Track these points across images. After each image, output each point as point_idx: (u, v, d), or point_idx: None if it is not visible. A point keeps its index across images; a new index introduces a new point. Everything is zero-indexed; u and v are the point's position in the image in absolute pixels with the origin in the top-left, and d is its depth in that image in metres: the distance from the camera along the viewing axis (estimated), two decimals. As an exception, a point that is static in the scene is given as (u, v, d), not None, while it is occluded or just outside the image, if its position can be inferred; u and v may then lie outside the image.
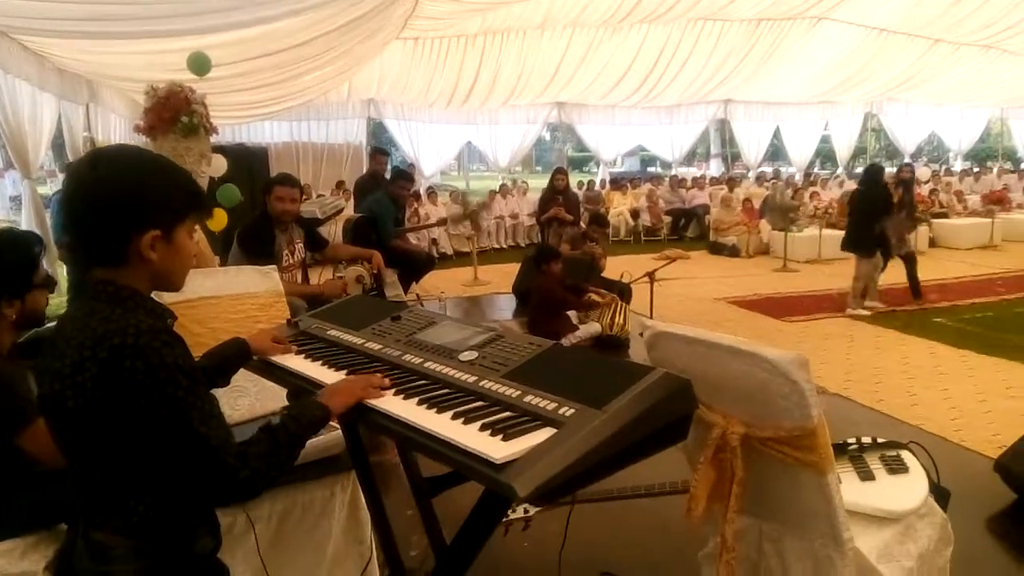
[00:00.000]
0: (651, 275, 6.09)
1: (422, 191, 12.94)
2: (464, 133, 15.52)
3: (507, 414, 1.39)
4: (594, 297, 5.88)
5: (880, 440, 2.17)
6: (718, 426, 1.72)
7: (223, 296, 2.61)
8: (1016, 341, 6.07)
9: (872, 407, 4.60)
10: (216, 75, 6.02)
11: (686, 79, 14.75)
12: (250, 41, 7.14)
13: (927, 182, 14.76)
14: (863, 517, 1.90)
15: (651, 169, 28.91)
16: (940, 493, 2.14)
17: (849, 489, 2.01)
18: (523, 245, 12.85)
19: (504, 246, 13.05)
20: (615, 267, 7.23)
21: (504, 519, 2.42)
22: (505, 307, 7.73)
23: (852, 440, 2.18)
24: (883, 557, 1.82)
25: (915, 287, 7.76)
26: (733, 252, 11.42)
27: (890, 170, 9.79)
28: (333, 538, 2.27)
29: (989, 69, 16.08)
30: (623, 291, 6.42)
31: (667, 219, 13.86)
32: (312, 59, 9.06)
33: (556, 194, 7.92)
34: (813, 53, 14.58)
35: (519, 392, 1.45)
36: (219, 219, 5.44)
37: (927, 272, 9.34)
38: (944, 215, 12.53)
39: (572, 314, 5.98)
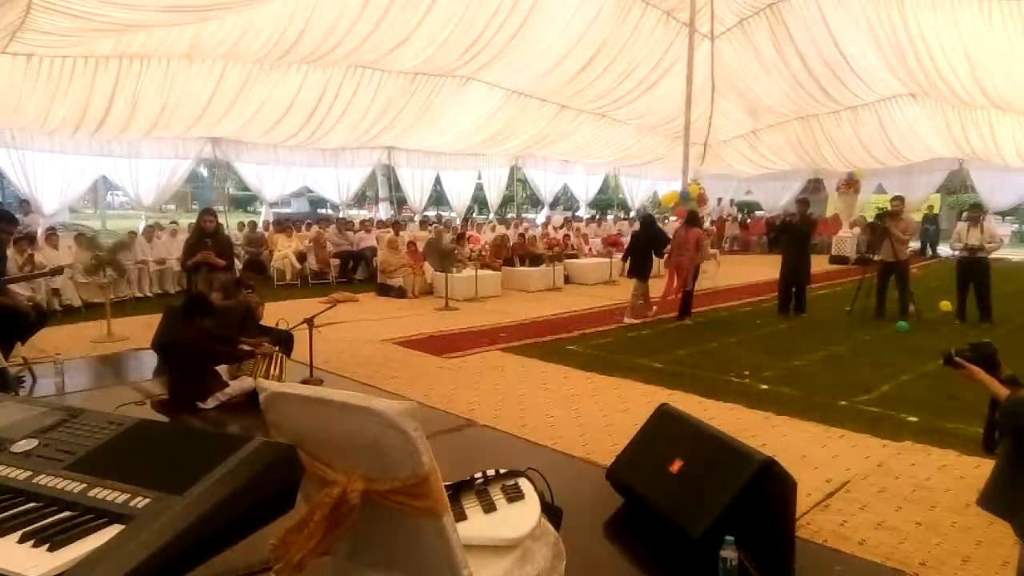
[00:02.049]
0: (309, 321, 5.92)
1: (40, 232, 10.96)
2: (98, 166, 13.62)
3: (62, 516, 1.16)
4: (248, 349, 5.50)
5: (502, 471, 2.33)
6: (338, 485, 1.67)
7: None
8: (630, 362, 7.21)
9: (517, 434, 5.02)
10: None
11: (350, 123, 14.98)
12: None
13: (561, 227, 17.01)
14: (486, 548, 2.01)
15: (322, 211, 28.64)
16: (553, 512, 2.37)
17: (475, 523, 2.11)
18: (172, 293, 11.63)
19: (149, 294, 11.66)
20: (280, 313, 6.90)
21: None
22: (144, 365, 6.83)
23: (479, 475, 2.31)
24: (505, 583, 1.94)
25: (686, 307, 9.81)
26: (400, 293, 11.77)
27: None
28: None
29: (604, 133, 19.30)
30: (283, 340, 6.13)
31: (335, 262, 13.78)
32: None
33: (205, 237, 7.30)
34: (466, 109, 15.95)
35: (84, 486, 1.22)
36: None
37: (561, 306, 10.75)
38: (575, 255, 14.54)
39: (223, 369, 5.51)
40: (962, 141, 16.94)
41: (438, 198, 28.04)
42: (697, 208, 12.05)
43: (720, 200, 24.20)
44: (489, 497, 2.20)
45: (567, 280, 13.28)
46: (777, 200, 23.70)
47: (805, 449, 4.77)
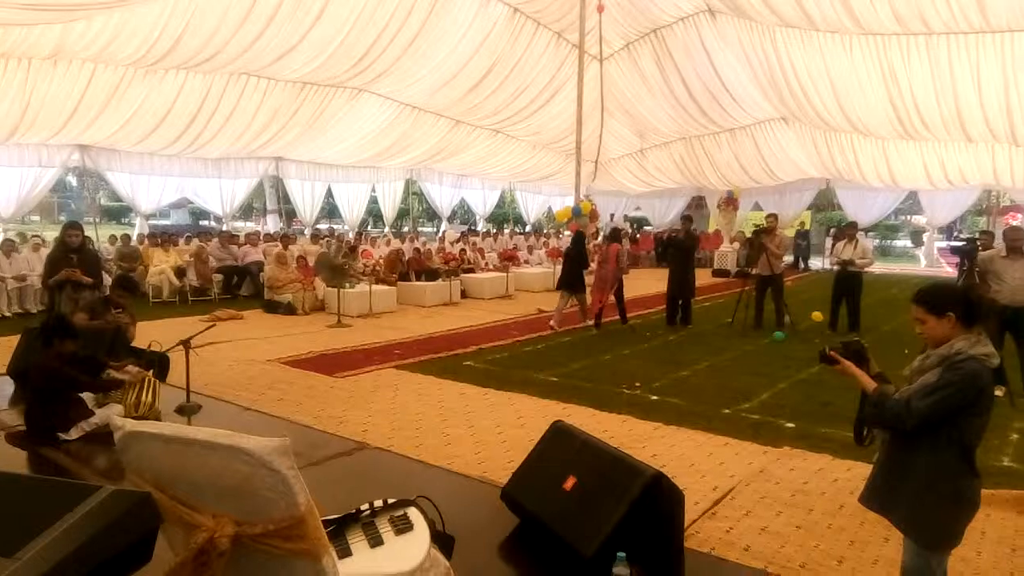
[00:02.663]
0: (186, 343, 5.54)
1: None
2: (-55, 173, 12.34)
3: None
4: (115, 374, 5.07)
5: (390, 501, 2.23)
6: (205, 529, 1.52)
7: None
8: (526, 376, 7.23)
9: (411, 455, 4.89)
10: None
11: (233, 132, 14.33)
12: None
13: (458, 241, 16.97)
14: (373, 586, 1.90)
15: (204, 223, 27.25)
16: (444, 541, 2.29)
17: (360, 560, 2.00)
18: (34, 312, 10.66)
19: (8, 314, 10.63)
20: (155, 333, 6.43)
21: None
22: (-1, 393, 6.19)
23: (365, 506, 2.20)
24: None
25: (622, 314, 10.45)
26: (289, 310, 11.32)
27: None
28: None
29: (499, 149, 19.47)
30: (157, 363, 5.72)
31: (218, 277, 13.07)
32: None
33: (69, 252, 6.71)
34: (358, 121, 15.64)
35: None
36: None
37: (458, 322, 10.69)
38: (471, 270, 14.52)
39: (88, 396, 5.06)
40: (828, 162, 18.28)
41: (330, 210, 27.38)
42: (588, 224, 12.35)
43: (612, 215, 24.94)
44: (376, 530, 2.09)
45: (464, 295, 13.23)
46: (664, 216, 24.69)
47: (693, 457, 4.92)
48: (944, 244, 23.38)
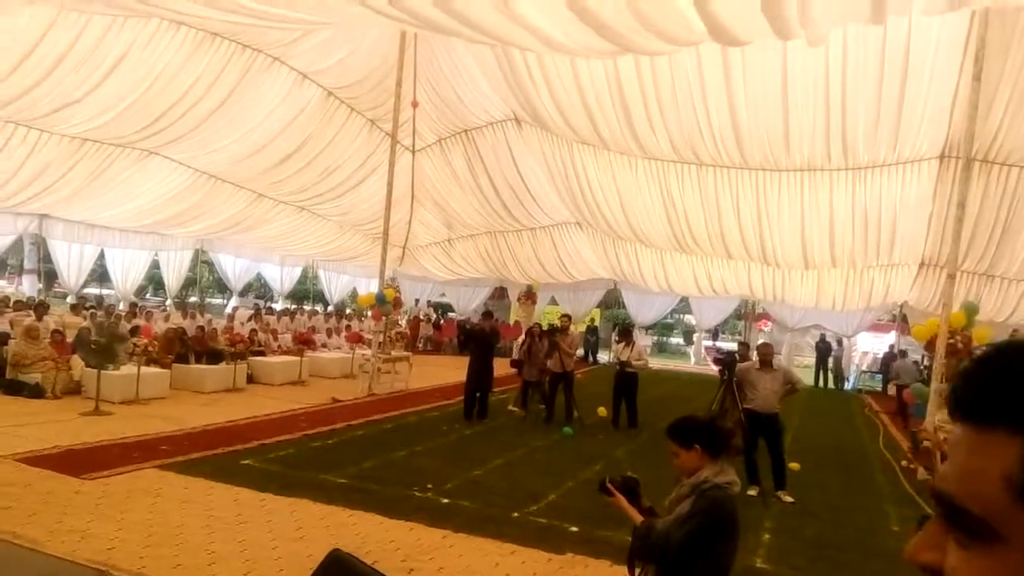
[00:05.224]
0: None
1: None
2: None
3: None
4: None
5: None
6: None
7: None
8: (311, 477, 6.74)
9: (166, 579, 4.28)
10: None
11: (-11, 183, 12.53)
12: None
13: (249, 320, 15.93)
14: None
15: (-61, 281, 23.20)
16: None
17: None
18: None
19: None
20: None
21: None
22: None
23: None
24: None
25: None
26: (36, 392, 9.75)
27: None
28: None
29: (304, 226, 18.89)
30: None
31: (-54, 349, 10.98)
32: None
33: None
34: (145, 184, 14.43)
35: None
36: None
37: (240, 410, 9.82)
38: (261, 352, 13.59)
39: None
40: (616, 266, 19.95)
41: (102, 274, 24.61)
42: (392, 311, 12.22)
43: (416, 300, 25.01)
44: None
45: (250, 379, 12.27)
46: (469, 304, 25.24)
47: (480, 569, 4.82)
48: (710, 343, 26.26)
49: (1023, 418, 0.51)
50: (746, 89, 11.19)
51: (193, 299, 24.40)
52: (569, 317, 11.53)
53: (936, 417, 9.00)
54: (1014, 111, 11.01)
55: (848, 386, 21.57)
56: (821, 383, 21.59)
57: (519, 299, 21.99)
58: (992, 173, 12.44)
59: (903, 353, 18.05)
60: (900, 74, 10.43)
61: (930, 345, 9.89)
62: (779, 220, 14.52)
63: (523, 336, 20.46)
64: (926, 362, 14.96)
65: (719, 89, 11.30)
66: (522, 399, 11.25)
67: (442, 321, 25.32)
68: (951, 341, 9.25)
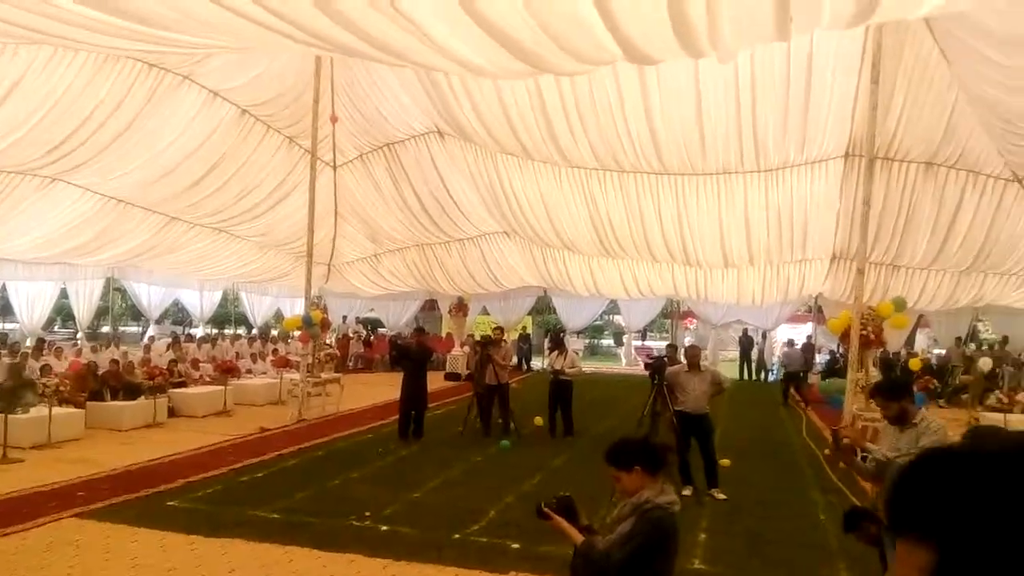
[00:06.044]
0: None
1: None
2: None
3: None
4: None
5: None
6: None
7: None
8: (241, 515, 6.48)
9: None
10: None
11: None
12: None
13: (168, 350, 15.25)
14: None
15: None
16: None
17: None
18: None
19: None
20: None
21: None
22: None
23: None
24: None
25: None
26: (-68, 443, 9.03)
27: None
28: None
29: (222, 248, 18.22)
30: None
31: None
32: None
33: None
34: (49, 212, 13.63)
35: None
36: None
37: (163, 448, 9.32)
38: (183, 383, 13.00)
39: None
40: (545, 273, 20.10)
41: (3, 307, 23.14)
42: (320, 334, 11.94)
43: (345, 318, 24.52)
44: None
45: (172, 413, 11.69)
46: (399, 318, 24.94)
47: (423, 599, 4.74)
48: (639, 343, 26.84)
49: (930, 526, 0.53)
50: (662, 98, 11.49)
51: (106, 328, 23.20)
52: (502, 329, 11.55)
53: (854, 407, 9.46)
54: (910, 110, 11.71)
55: (772, 377, 22.41)
56: (746, 376, 22.38)
57: (450, 311, 21.88)
58: (893, 169, 13.17)
59: (791, 343, 19.06)
60: (805, 80, 10.93)
61: (844, 336, 10.42)
62: (698, 222, 14.97)
63: (464, 347, 20.55)
64: (841, 351, 15.84)
65: (636, 99, 11.57)
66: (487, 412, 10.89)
67: (372, 338, 24.91)
68: (863, 332, 9.76)
